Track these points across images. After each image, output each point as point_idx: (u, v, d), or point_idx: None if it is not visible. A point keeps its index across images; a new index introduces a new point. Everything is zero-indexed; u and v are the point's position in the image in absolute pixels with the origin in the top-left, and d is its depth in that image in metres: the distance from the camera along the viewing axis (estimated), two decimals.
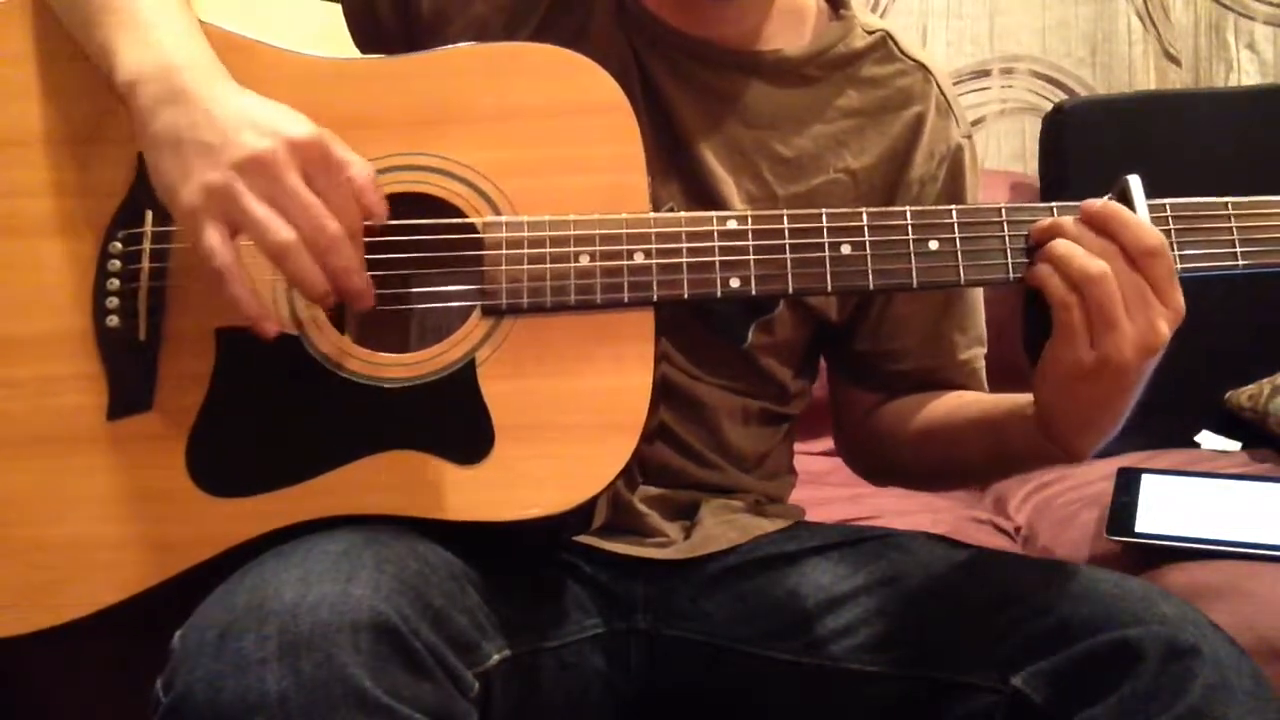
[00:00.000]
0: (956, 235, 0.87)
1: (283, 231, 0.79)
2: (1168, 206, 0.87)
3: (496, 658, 0.83)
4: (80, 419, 0.88)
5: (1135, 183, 0.86)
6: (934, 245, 0.87)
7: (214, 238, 0.80)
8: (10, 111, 0.93)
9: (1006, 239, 0.87)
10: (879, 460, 1.16)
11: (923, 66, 1.08)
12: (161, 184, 0.83)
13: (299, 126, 0.81)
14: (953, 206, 0.88)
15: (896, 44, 1.08)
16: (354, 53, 1.06)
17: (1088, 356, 0.83)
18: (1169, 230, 0.86)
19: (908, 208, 0.88)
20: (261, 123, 0.81)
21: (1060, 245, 0.84)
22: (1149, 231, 0.83)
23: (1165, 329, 0.83)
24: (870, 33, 1.07)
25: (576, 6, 1.02)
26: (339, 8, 1.07)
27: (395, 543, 0.80)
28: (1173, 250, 0.84)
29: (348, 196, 0.82)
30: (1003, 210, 0.87)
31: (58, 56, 0.93)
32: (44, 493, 0.87)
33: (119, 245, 0.90)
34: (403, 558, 0.78)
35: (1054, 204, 0.88)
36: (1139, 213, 0.84)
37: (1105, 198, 0.86)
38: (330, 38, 1.04)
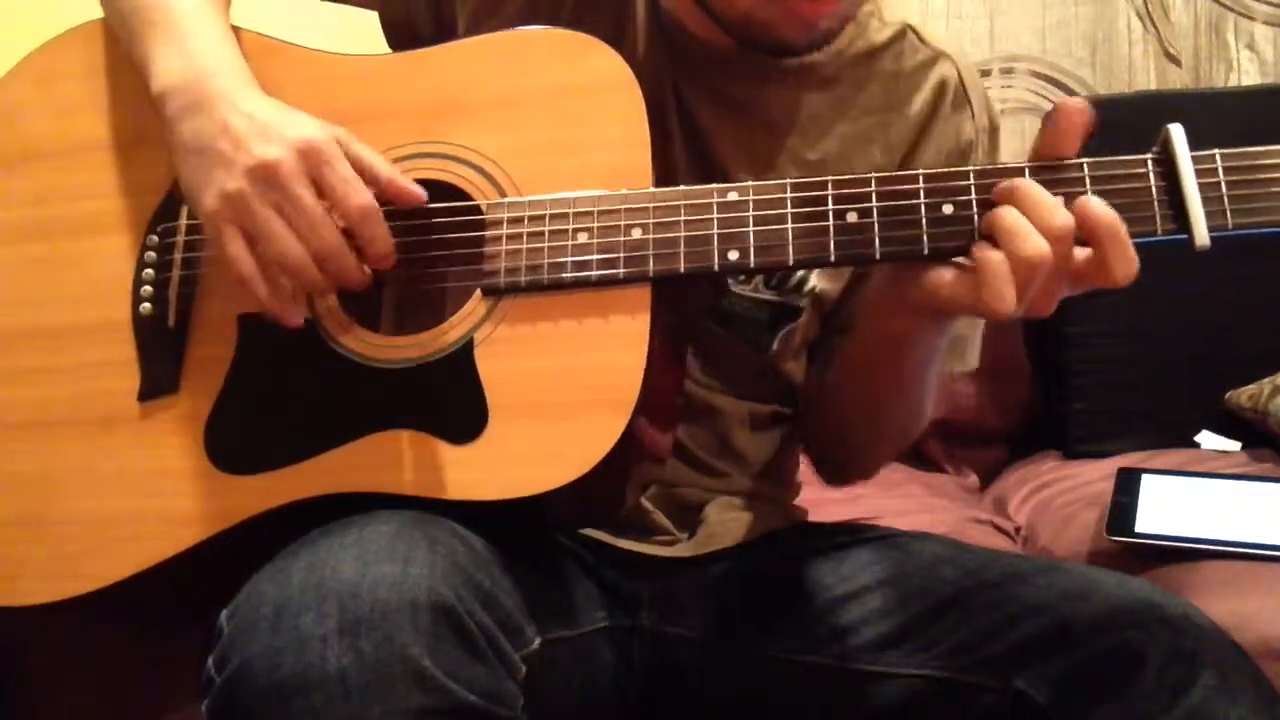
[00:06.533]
0: (974, 197, 0.81)
1: (289, 249, 0.83)
2: (1217, 157, 0.79)
3: (538, 641, 0.83)
4: (114, 401, 0.92)
5: (1177, 131, 0.80)
6: (948, 210, 0.82)
7: (236, 246, 0.84)
8: (73, 121, 1.00)
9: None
10: (828, 439, 1.10)
11: (943, 54, 1.06)
12: (187, 190, 0.88)
13: (307, 131, 0.84)
14: (969, 168, 0.82)
15: (917, 34, 1.06)
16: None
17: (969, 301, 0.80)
18: (1218, 182, 0.78)
19: (920, 170, 0.83)
20: (272, 130, 0.84)
21: (1009, 217, 0.79)
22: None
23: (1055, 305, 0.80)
24: (888, 25, 1.05)
25: (606, 10, 1.00)
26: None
27: (440, 524, 0.80)
28: (1225, 205, 0.78)
29: (354, 195, 0.84)
30: (1025, 170, 0.81)
31: (115, 69, 1.00)
32: (79, 471, 0.92)
33: (155, 238, 0.96)
34: (450, 539, 0.79)
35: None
36: (1182, 165, 0.79)
37: (1150, 151, 0.81)
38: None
